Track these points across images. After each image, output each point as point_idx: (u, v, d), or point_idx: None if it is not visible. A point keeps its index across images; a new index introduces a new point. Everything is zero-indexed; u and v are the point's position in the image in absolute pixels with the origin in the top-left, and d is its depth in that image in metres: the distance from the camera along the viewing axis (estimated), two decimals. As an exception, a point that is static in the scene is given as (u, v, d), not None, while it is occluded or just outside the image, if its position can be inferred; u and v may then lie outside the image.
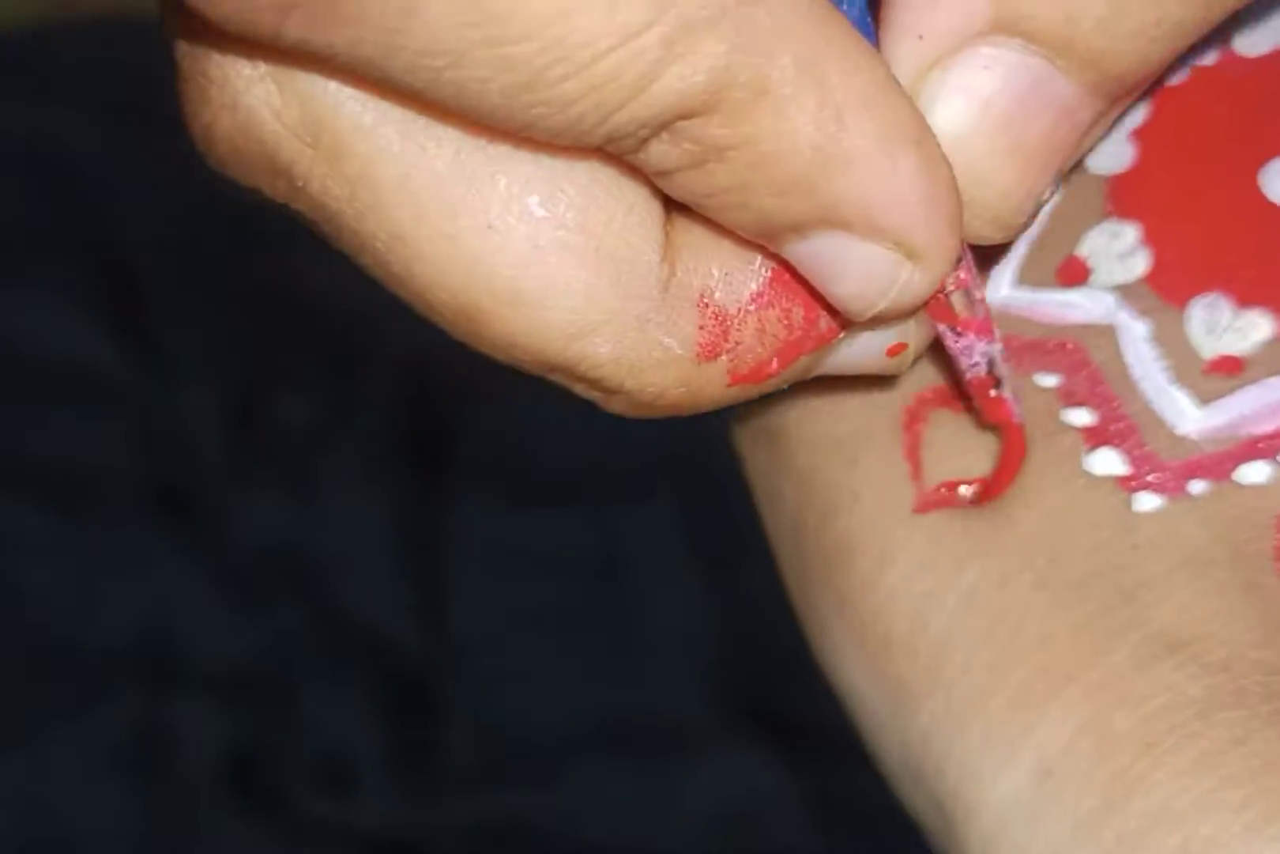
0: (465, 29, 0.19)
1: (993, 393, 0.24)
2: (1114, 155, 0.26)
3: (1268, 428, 0.23)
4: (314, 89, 0.22)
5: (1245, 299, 0.24)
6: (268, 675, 0.66)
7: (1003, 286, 0.26)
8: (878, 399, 0.26)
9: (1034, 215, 0.23)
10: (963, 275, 0.23)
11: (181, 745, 0.65)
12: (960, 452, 0.25)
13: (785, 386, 0.25)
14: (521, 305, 0.22)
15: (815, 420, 0.26)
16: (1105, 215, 0.25)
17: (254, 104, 0.22)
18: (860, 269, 0.22)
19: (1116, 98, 0.23)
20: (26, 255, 0.77)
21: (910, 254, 0.22)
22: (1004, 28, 0.22)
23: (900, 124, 0.21)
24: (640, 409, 0.24)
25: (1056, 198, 0.25)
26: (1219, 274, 0.24)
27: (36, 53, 0.84)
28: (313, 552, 0.71)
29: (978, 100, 0.22)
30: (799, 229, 0.22)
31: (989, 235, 0.23)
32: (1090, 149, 0.24)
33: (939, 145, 0.22)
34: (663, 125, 0.21)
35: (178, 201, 0.77)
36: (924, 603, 0.24)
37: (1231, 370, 0.24)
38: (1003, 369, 0.24)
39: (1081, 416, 0.24)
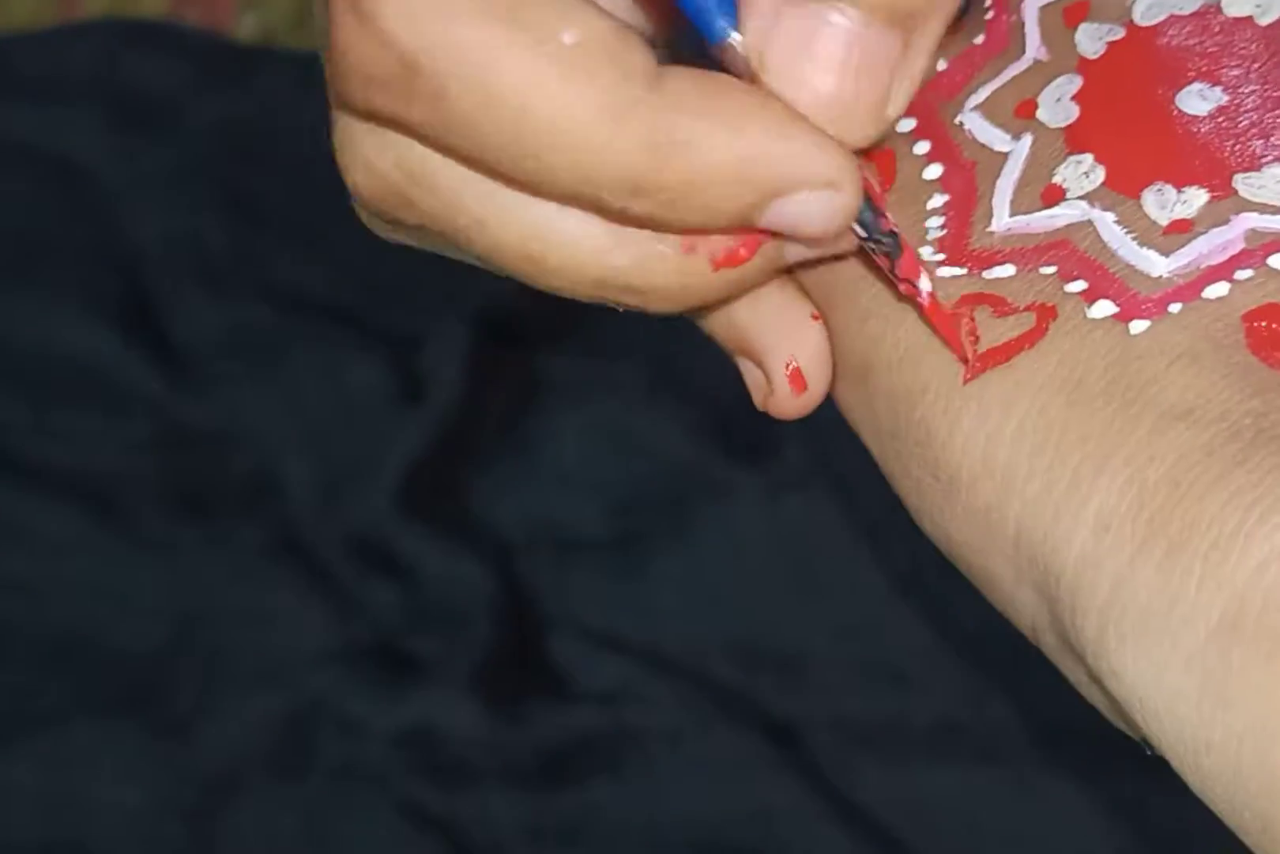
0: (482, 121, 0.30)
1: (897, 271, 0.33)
2: (1064, 112, 0.34)
3: (1219, 260, 0.31)
4: (402, 143, 0.31)
5: (1182, 182, 0.32)
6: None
7: (1003, 218, 0.34)
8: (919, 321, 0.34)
9: (894, 120, 0.33)
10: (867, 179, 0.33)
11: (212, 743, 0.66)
12: (987, 330, 0.33)
13: (764, 276, 0.33)
14: (565, 247, 0.32)
15: (882, 351, 0.34)
16: (1067, 153, 0.34)
17: (371, 155, 0.32)
18: (807, 214, 0.31)
19: (916, 27, 0.32)
20: (36, 257, 0.79)
21: (831, 186, 0.31)
22: None
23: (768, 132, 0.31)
24: (668, 302, 0.33)
25: (1027, 149, 0.34)
26: (1160, 169, 0.33)
27: (43, 55, 0.86)
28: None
29: (813, 57, 0.31)
30: (756, 209, 0.31)
31: (866, 140, 0.32)
32: (928, 69, 0.33)
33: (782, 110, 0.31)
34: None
35: (185, 201, 0.80)
36: (990, 444, 0.32)
37: (1183, 230, 0.32)
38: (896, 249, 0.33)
39: (1078, 285, 0.32)
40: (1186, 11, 0.34)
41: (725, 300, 0.35)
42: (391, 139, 0.32)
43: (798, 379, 0.36)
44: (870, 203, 0.32)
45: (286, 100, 0.86)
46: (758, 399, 0.36)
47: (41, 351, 0.76)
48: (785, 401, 0.36)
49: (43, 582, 0.71)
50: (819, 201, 0.31)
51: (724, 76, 0.31)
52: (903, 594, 0.72)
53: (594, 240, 0.32)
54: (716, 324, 0.36)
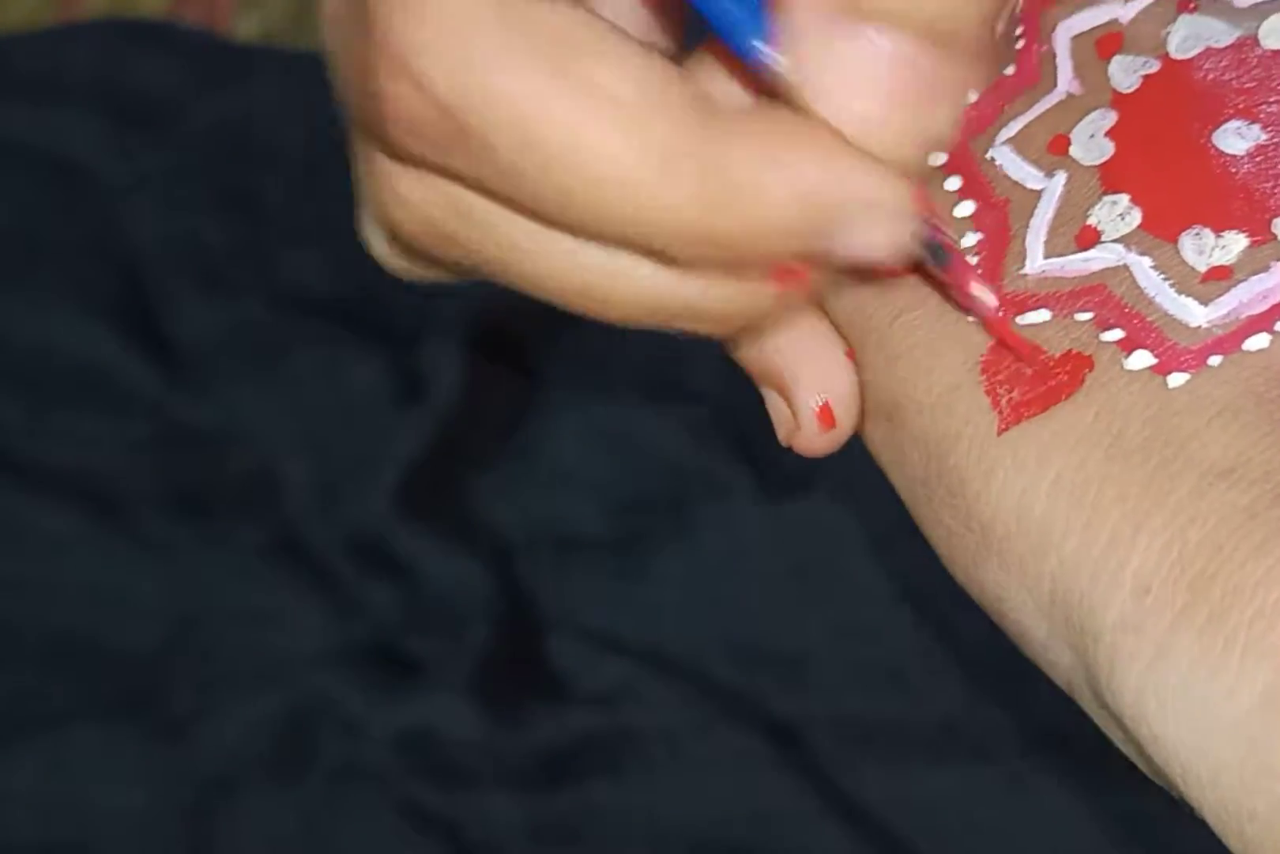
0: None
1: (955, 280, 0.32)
2: (1098, 150, 0.33)
3: (1259, 310, 0.30)
4: (445, 183, 0.30)
5: (1221, 226, 0.31)
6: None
7: (1036, 259, 0.33)
8: (959, 360, 0.33)
9: (942, 140, 0.32)
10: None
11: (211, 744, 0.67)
12: (1020, 379, 0.32)
13: (824, 288, 0.33)
14: (621, 280, 0.31)
15: (914, 394, 0.33)
16: (1102, 193, 0.33)
17: (411, 193, 0.31)
18: (869, 242, 0.30)
19: (960, 44, 0.31)
20: (36, 257, 0.79)
21: (889, 211, 0.30)
22: (866, 16, 0.30)
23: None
24: (727, 325, 0.32)
25: (1061, 187, 0.33)
26: (1197, 212, 0.32)
27: (41, 55, 0.86)
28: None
29: (857, 82, 0.30)
30: (816, 244, 0.30)
31: (913, 162, 0.31)
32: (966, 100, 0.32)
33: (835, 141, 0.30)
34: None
35: (184, 201, 0.80)
36: (1025, 497, 0.31)
37: (1222, 276, 0.31)
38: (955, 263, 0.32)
39: (1115, 334, 0.31)
40: (1223, 44, 0.33)
41: (786, 316, 0.34)
42: (433, 179, 0.30)
43: (826, 416, 0.35)
44: (926, 219, 0.32)
45: (286, 100, 0.85)
46: (782, 434, 0.35)
47: (41, 351, 0.76)
48: (812, 438, 0.35)
49: (42, 582, 0.71)
50: (878, 228, 0.30)
51: (770, 107, 0.30)
52: (903, 594, 0.72)
53: (651, 272, 0.31)
54: (747, 354, 0.35)
